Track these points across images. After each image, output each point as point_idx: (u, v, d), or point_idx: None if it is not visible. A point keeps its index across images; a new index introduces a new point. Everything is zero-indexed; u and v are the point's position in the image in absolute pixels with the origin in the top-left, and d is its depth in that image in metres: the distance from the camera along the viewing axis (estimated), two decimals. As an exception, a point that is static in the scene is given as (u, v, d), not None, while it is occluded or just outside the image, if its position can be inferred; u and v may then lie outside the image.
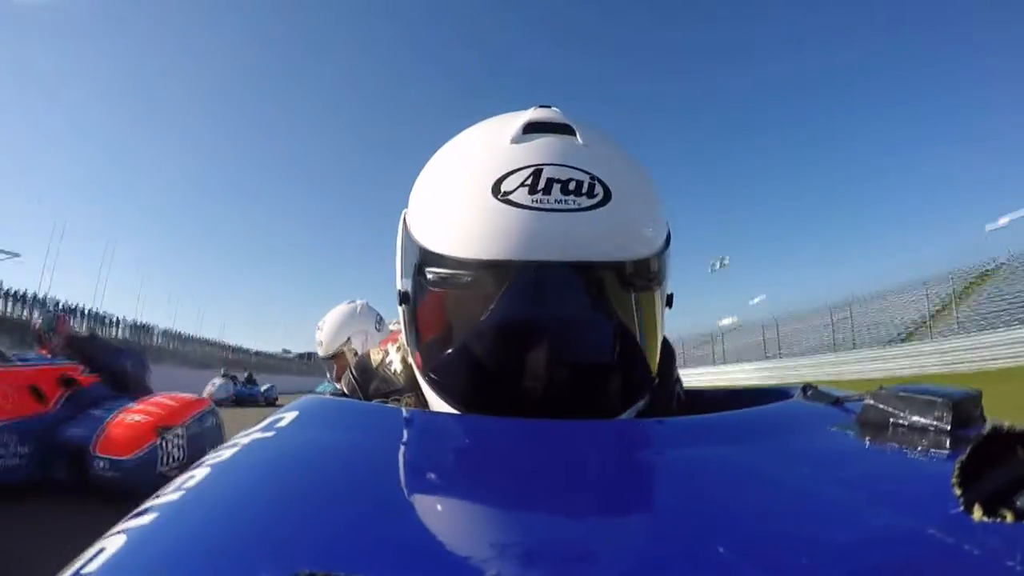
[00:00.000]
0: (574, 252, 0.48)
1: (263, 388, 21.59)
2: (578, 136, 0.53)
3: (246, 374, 22.77)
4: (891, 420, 0.42)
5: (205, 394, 14.36)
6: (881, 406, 0.44)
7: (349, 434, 0.47)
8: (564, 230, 0.48)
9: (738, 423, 0.48)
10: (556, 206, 0.48)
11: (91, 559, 0.31)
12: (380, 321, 2.43)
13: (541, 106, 0.58)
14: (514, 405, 0.51)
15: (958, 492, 0.31)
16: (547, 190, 0.48)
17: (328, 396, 0.62)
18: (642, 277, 0.53)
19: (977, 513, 0.30)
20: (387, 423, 0.49)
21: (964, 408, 0.41)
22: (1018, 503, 0.30)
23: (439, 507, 0.35)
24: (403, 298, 0.58)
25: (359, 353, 2.08)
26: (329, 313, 2.41)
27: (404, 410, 0.54)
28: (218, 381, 18.95)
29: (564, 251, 0.48)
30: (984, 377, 12.41)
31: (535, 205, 0.48)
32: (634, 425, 0.53)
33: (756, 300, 35.56)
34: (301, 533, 0.30)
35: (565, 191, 0.49)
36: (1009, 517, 0.29)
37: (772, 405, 0.55)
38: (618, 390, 0.56)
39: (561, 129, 0.54)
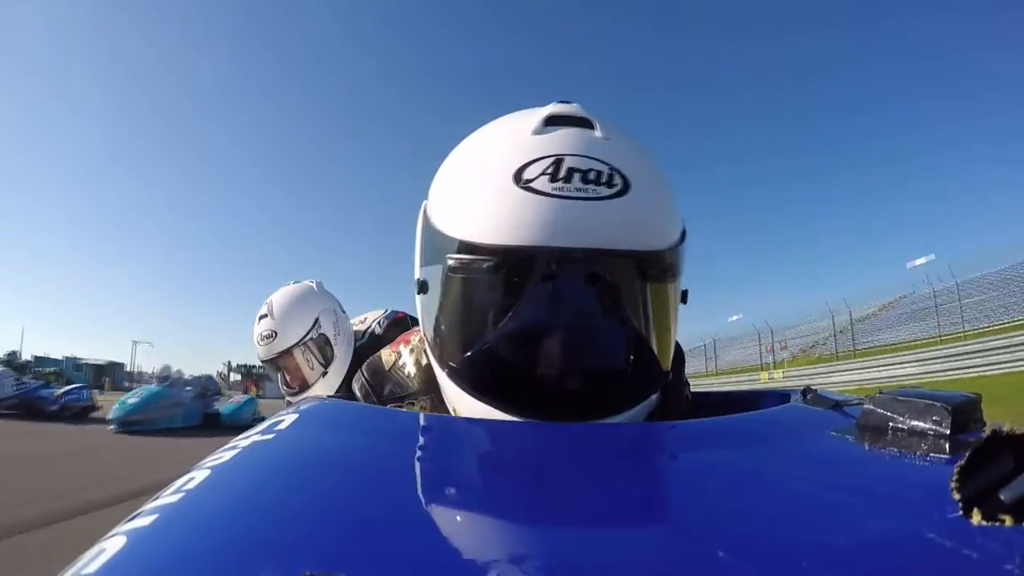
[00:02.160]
0: (594, 239, 0.49)
1: (60, 391, 13.14)
2: (598, 129, 0.54)
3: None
4: (890, 424, 0.43)
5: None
6: (880, 410, 0.44)
7: (348, 437, 0.47)
8: (585, 217, 0.49)
9: (739, 427, 0.48)
10: (577, 194, 0.49)
11: (91, 560, 0.31)
12: (340, 305, 1.95)
13: (562, 101, 0.59)
14: (530, 390, 0.52)
15: (957, 496, 0.31)
16: (568, 178, 0.49)
17: (331, 399, 0.62)
18: (658, 268, 0.53)
19: (976, 517, 0.30)
20: (386, 425, 0.49)
21: (963, 412, 0.41)
22: (1006, 495, 0.30)
23: (440, 511, 0.35)
24: (421, 287, 0.59)
25: (330, 338, 1.76)
26: (275, 295, 1.83)
27: (404, 412, 0.54)
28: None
29: (584, 238, 0.49)
30: None
31: (556, 193, 0.49)
32: (643, 429, 0.53)
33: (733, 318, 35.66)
34: (301, 536, 0.30)
35: (586, 180, 0.49)
36: (1008, 521, 0.29)
37: (772, 409, 0.55)
38: (632, 377, 0.56)
39: (581, 122, 0.55)
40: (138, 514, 0.36)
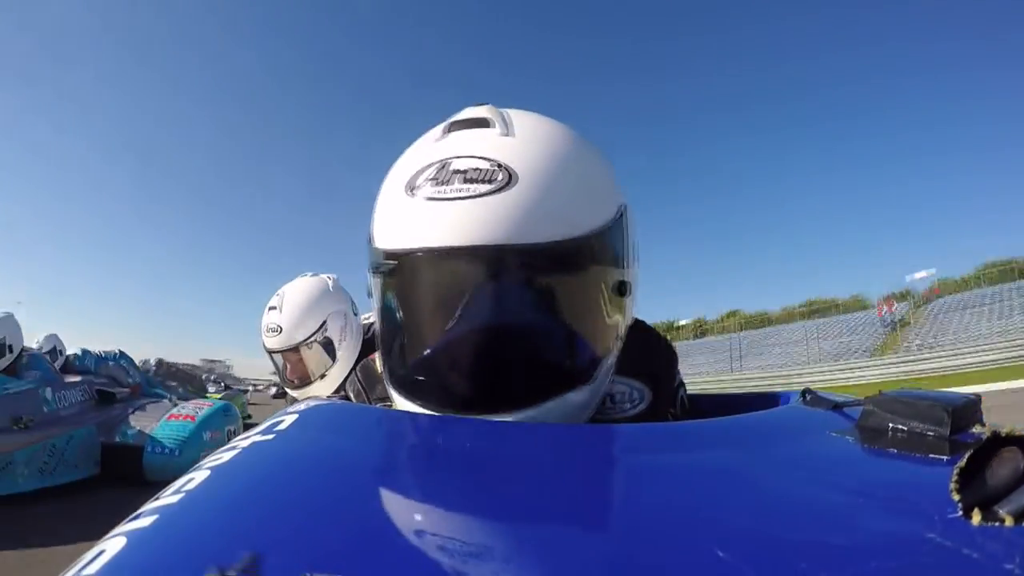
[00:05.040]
0: (471, 236, 0.50)
1: None
2: (496, 127, 0.55)
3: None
4: (890, 425, 0.43)
5: None
6: (880, 411, 0.44)
7: (348, 438, 0.47)
8: (461, 216, 0.50)
9: (737, 428, 0.48)
10: (455, 194, 0.50)
11: (91, 561, 0.31)
12: (354, 304, 1.88)
13: (477, 105, 0.60)
14: (429, 386, 0.55)
15: (957, 497, 0.31)
16: (449, 180, 0.51)
17: (331, 400, 0.62)
18: (547, 261, 0.52)
19: (976, 518, 0.30)
20: (387, 427, 0.49)
21: (963, 413, 0.41)
22: (1011, 505, 0.30)
23: (440, 511, 0.35)
24: (368, 293, 0.62)
25: (335, 342, 1.73)
26: (288, 288, 1.76)
27: (404, 413, 0.54)
28: None
29: (462, 236, 0.50)
30: None
31: (437, 196, 0.51)
32: (643, 429, 0.53)
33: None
34: (300, 536, 0.30)
35: (466, 179, 0.51)
36: (1008, 521, 0.29)
37: (771, 410, 0.55)
38: (530, 373, 0.55)
39: (479, 123, 0.56)
40: (138, 515, 0.36)
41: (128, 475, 4.53)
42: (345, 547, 0.30)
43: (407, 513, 0.35)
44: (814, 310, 29.55)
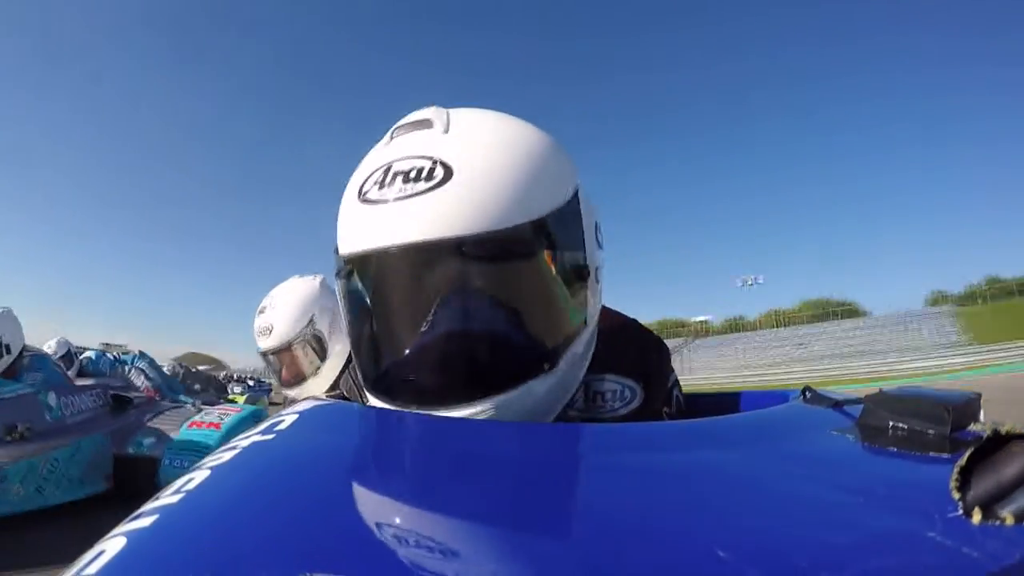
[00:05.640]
0: (410, 234, 0.51)
1: None
2: (435, 126, 0.57)
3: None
4: (890, 423, 0.43)
5: None
6: (880, 410, 0.44)
7: (349, 437, 0.47)
8: (401, 216, 0.51)
9: (737, 427, 0.48)
10: (397, 195, 0.52)
11: (91, 562, 0.31)
12: None
13: (419, 110, 0.62)
14: (391, 385, 0.56)
15: (957, 496, 0.31)
16: (391, 183, 0.53)
17: (331, 399, 0.62)
18: (493, 250, 0.52)
19: (976, 516, 0.30)
20: (386, 426, 0.49)
21: (963, 411, 0.41)
22: (1012, 504, 0.30)
23: (440, 511, 0.35)
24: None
25: (324, 336, 1.80)
26: (278, 289, 1.85)
27: (404, 413, 0.54)
28: None
29: (403, 235, 0.51)
30: None
31: (380, 199, 0.53)
32: (642, 429, 0.52)
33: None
34: (301, 536, 0.30)
35: (406, 180, 0.52)
36: (1008, 520, 0.29)
37: (771, 408, 0.55)
38: (486, 364, 0.55)
39: (419, 125, 0.58)
40: (138, 515, 0.36)
41: (143, 491, 2.88)
42: (344, 547, 0.29)
43: (407, 513, 0.35)
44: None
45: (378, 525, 0.32)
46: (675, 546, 0.30)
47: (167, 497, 0.37)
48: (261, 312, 1.81)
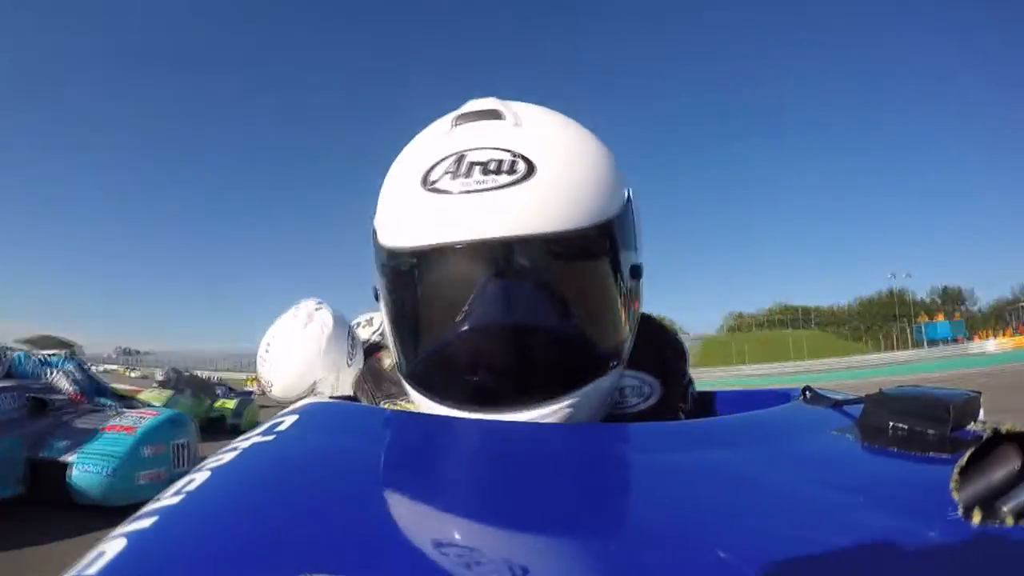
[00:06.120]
0: (498, 228, 0.50)
1: None
2: (507, 118, 0.55)
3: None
4: (890, 423, 0.43)
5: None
6: (880, 409, 0.44)
7: (349, 438, 0.47)
8: (486, 208, 0.50)
9: (738, 427, 0.48)
10: (477, 187, 0.50)
11: (91, 562, 0.31)
12: (352, 337, 1.69)
13: (480, 99, 0.60)
14: (458, 384, 0.54)
15: (957, 496, 0.31)
16: (468, 173, 0.51)
17: (332, 400, 0.62)
18: (575, 248, 0.52)
19: (976, 516, 0.30)
20: (387, 427, 0.49)
21: (963, 411, 0.41)
22: (1012, 503, 0.30)
23: (440, 511, 0.35)
24: (376, 296, 0.61)
25: (322, 394, 1.57)
26: (275, 337, 1.61)
27: (405, 413, 0.54)
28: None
29: (488, 228, 0.50)
30: None
31: (458, 189, 0.50)
32: (642, 429, 0.53)
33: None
34: (301, 537, 0.30)
35: (485, 171, 0.50)
36: (1008, 520, 0.29)
37: (772, 409, 0.55)
38: (553, 363, 0.55)
39: (489, 115, 0.56)
40: (138, 516, 0.36)
41: (53, 496, 3.88)
42: (344, 547, 0.30)
43: (407, 514, 0.35)
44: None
45: (377, 525, 0.32)
46: (675, 546, 0.30)
47: (167, 498, 0.37)
48: (261, 358, 1.62)
